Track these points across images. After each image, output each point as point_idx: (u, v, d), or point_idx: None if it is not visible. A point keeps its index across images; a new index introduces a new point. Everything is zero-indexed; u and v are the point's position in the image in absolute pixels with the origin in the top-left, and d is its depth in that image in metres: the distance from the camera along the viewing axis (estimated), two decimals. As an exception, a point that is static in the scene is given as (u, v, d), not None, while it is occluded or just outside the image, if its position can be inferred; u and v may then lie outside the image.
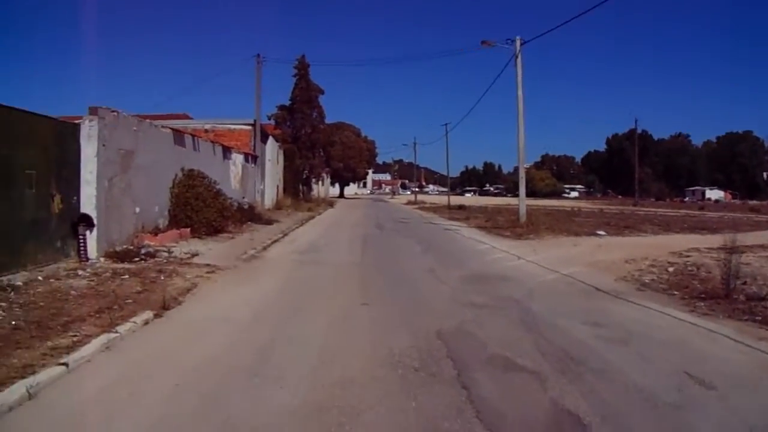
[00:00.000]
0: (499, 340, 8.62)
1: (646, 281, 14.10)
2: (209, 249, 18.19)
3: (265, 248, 20.13)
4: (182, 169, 21.93)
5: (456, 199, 76.55)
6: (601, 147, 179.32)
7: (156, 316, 9.64)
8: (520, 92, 31.14)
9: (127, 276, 12.78)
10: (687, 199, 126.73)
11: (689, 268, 15.68)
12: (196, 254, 16.61)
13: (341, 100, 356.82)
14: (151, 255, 15.65)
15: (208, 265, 15.03)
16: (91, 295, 10.79)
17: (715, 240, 20.12)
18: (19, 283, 11.30)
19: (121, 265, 14.14)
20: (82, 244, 14.58)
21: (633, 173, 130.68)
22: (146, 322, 9.22)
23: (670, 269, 15.61)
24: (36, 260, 13.15)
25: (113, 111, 16.15)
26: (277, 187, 50.74)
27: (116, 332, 8.33)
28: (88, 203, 15.02)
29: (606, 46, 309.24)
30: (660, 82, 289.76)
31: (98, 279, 12.36)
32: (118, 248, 15.77)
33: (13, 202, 12.56)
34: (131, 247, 16.20)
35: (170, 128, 21.53)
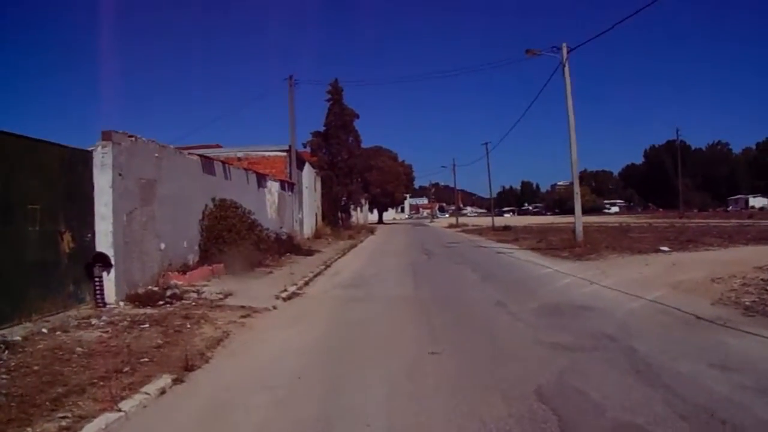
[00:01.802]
0: (619, 400, 6.58)
1: (748, 304, 12.12)
2: (244, 287, 16.19)
3: (306, 283, 18.15)
4: (213, 200, 20.08)
5: (498, 220, 74.21)
6: (638, 160, 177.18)
7: (176, 381, 7.62)
8: (569, 102, 29.10)
9: (147, 324, 10.84)
10: (730, 208, 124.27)
11: (791, 285, 13.62)
12: (230, 294, 14.62)
13: (376, 124, 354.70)
14: (178, 297, 13.73)
15: (242, 307, 13.06)
16: (101, 352, 8.84)
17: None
18: (18, 338, 9.49)
19: (142, 311, 12.22)
20: (98, 288, 12.70)
21: (672, 185, 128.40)
22: (162, 392, 7.21)
23: (771, 288, 13.52)
24: (42, 309, 11.26)
25: (130, 136, 14.35)
26: (316, 215, 49.01)
27: (120, 410, 6.33)
28: (104, 241, 13.16)
29: (637, 58, 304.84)
30: (695, 91, 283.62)
31: (113, 330, 10.42)
32: (140, 290, 13.91)
33: (11, 243, 10.71)
34: (156, 289, 14.34)
35: (198, 155, 19.71)
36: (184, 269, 16.70)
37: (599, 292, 15.17)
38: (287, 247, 27.85)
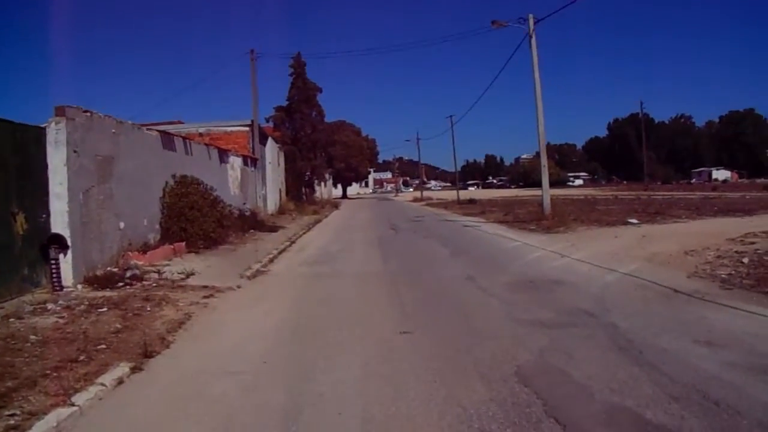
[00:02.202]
0: (605, 381, 6.33)
1: (725, 276, 12.06)
2: (207, 266, 15.75)
3: (271, 260, 17.74)
4: (173, 176, 19.47)
5: (463, 194, 74.03)
6: (602, 133, 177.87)
7: (134, 370, 7.21)
8: (536, 74, 28.76)
9: (105, 308, 10.36)
10: (694, 180, 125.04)
11: (766, 258, 13.54)
12: (192, 273, 14.15)
13: (339, 97, 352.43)
14: (138, 278, 13.25)
15: (205, 287, 12.63)
16: (56, 340, 8.38)
17: (762, 222, 18.94)
18: (-34, 328, 8.97)
19: (101, 294, 11.75)
20: (54, 271, 12.17)
21: (636, 158, 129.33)
22: (119, 382, 6.80)
23: (744, 260, 13.44)
24: (-6, 294, 10.76)
25: (85, 111, 13.76)
26: (280, 190, 48.37)
27: (74, 405, 5.92)
28: (59, 221, 12.62)
29: (600, 31, 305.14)
30: (658, 64, 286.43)
31: (69, 315, 9.94)
32: (99, 272, 13.39)
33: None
34: (115, 270, 13.82)
35: (158, 130, 19.08)
36: (145, 249, 16.15)
37: (571, 265, 14.95)
38: (251, 223, 27.33)
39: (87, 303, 10.77)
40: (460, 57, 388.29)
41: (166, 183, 18.98)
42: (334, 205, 66.56)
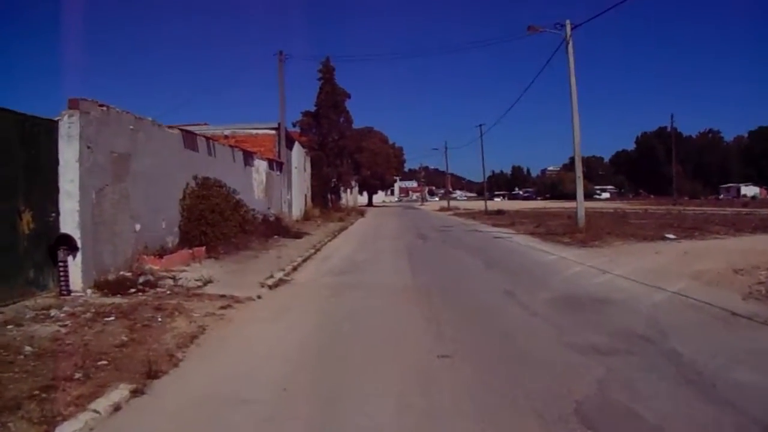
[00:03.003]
0: (682, 424, 5.41)
1: None
2: (227, 273, 14.82)
3: (295, 268, 16.78)
4: (195, 177, 18.63)
5: (489, 204, 72.84)
6: (629, 146, 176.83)
7: (135, 393, 6.25)
8: (573, 81, 27.75)
9: (113, 317, 9.44)
10: (722, 196, 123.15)
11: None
12: (210, 281, 13.20)
13: (367, 104, 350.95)
14: (152, 284, 12.35)
15: (222, 296, 11.68)
16: (53, 352, 7.47)
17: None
18: (-40, 335, 8.11)
19: (110, 300, 10.84)
20: (62, 274, 11.30)
21: (663, 173, 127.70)
22: (116, 408, 5.85)
23: (805, 281, 12.33)
24: (-4, 298, 9.90)
25: (101, 105, 12.91)
26: (305, 196, 47.58)
27: (58, 438, 4.98)
28: (69, 221, 11.74)
29: (628, 44, 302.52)
30: (687, 79, 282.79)
31: (73, 323, 9.04)
32: (111, 276, 12.50)
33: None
34: (128, 274, 12.94)
35: (179, 128, 18.22)
36: (162, 253, 15.26)
37: (614, 282, 13.94)
38: (275, 229, 26.45)
39: (94, 310, 9.86)
40: (489, 65, 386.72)
41: (187, 184, 18.12)
42: (360, 212, 65.60)
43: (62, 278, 11.28)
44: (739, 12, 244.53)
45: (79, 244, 11.68)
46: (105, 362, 7.15)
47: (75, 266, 11.63)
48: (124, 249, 13.77)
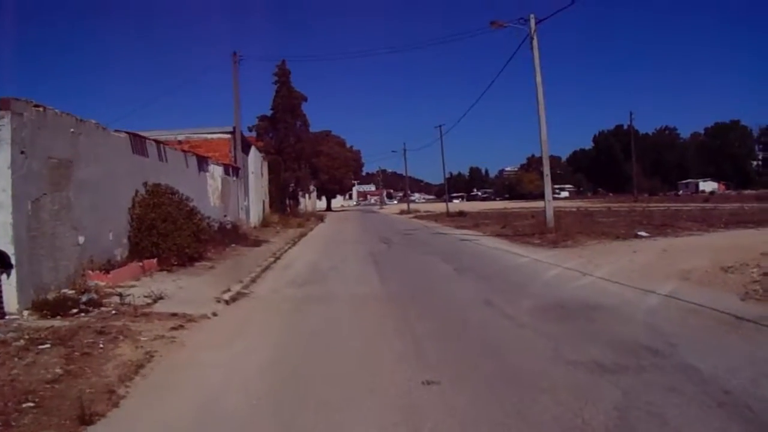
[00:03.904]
0: None
1: None
2: (180, 287, 13.63)
3: (253, 280, 15.65)
4: (145, 184, 17.38)
5: (450, 206, 72.09)
6: (586, 145, 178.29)
7: (61, 448, 5.16)
8: (538, 77, 27.14)
9: (48, 344, 8.25)
10: (681, 192, 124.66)
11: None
12: (161, 297, 11.99)
13: (324, 108, 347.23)
14: (96, 303, 11.15)
15: (174, 315, 10.53)
16: (-33, 393, 6.32)
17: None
18: None
19: (49, 323, 9.63)
20: (-7, 295, 10.11)
21: (621, 170, 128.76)
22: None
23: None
24: None
25: (36, 106, 11.70)
26: (263, 202, 46.30)
27: None
28: (1, 235, 10.51)
29: (584, 43, 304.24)
30: (643, 77, 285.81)
31: (1, 353, 7.85)
32: (51, 295, 11.28)
33: None
34: (71, 292, 11.72)
35: (127, 132, 16.97)
36: (109, 267, 14.06)
37: (599, 285, 13.21)
38: (232, 237, 25.29)
39: (27, 337, 8.66)
40: (447, 65, 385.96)
41: (137, 192, 16.88)
42: (319, 217, 64.43)
43: (-7, 300, 10.09)
44: (696, 8, 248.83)
45: (13, 261, 10.46)
46: (32, 404, 6.05)
47: (9, 286, 10.41)
48: (66, 264, 12.53)
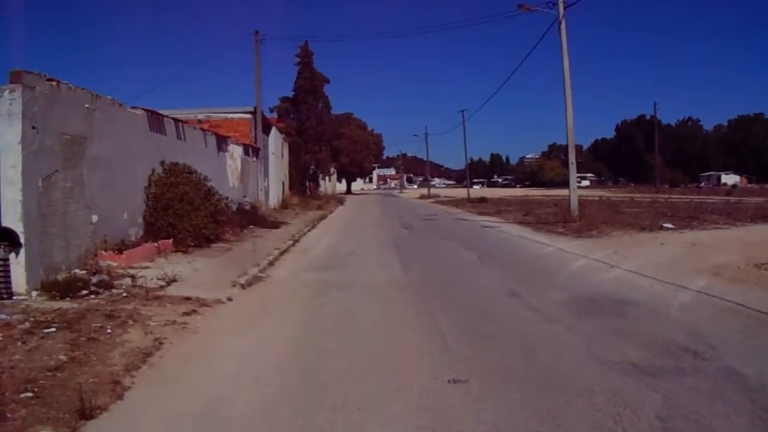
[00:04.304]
0: None
1: None
2: (195, 269, 13.21)
3: (271, 263, 15.20)
4: (162, 163, 16.97)
5: (471, 192, 71.39)
6: (608, 135, 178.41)
7: (57, 445, 4.74)
8: (566, 63, 26.33)
9: (54, 328, 7.86)
10: (702, 184, 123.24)
11: None
12: (174, 279, 11.56)
13: (346, 90, 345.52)
14: (107, 284, 10.75)
15: (188, 298, 10.11)
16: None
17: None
18: None
19: (57, 305, 9.24)
20: (1, 274, 9.72)
21: (642, 161, 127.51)
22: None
23: None
24: None
25: (50, 80, 11.28)
26: (283, 183, 45.88)
27: None
28: (11, 212, 10.14)
29: (608, 33, 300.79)
30: (666, 67, 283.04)
31: (4, 337, 7.47)
32: (62, 276, 10.90)
33: None
34: (82, 273, 11.35)
35: (144, 109, 16.54)
36: (122, 247, 13.66)
37: (628, 279, 12.62)
38: (250, 218, 24.87)
39: (33, 319, 8.28)
40: (470, 50, 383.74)
41: (153, 171, 16.48)
42: (339, 200, 63.89)
43: (2, 279, 9.70)
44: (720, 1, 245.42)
45: (22, 240, 10.08)
46: (30, 394, 5.63)
47: (18, 265, 10.05)
48: (78, 244, 12.16)
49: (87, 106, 12.77)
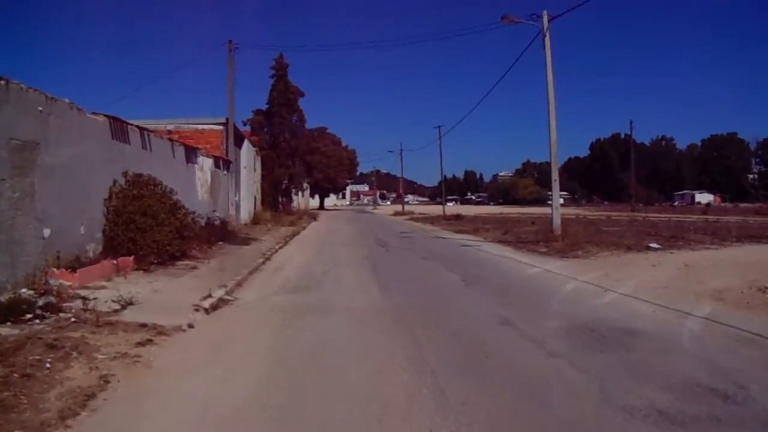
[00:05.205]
0: None
1: None
2: (155, 290, 12.04)
3: (239, 284, 14.08)
4: (125, 174, 15.82)
5: (444, 209, 70.68)
6: (581, 153, 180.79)
7: None
8: (550, 77, 25.74)
9: (-16, 361, 6.75)
10: (677, 203, 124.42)
11: None
12: (131, 302, 10.36)
13: (320, 104, 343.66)
14: (55, 308, 9.57)
15: (143, 325, 8.97)
16: None
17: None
18: None
19: (-6, 332, 8.11)
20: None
21: (616, 179, 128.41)
22: None
23: None
24: None
25: (-4, 79, 10.21)
26: (255, 198, 44.72)
27: None
28: (-53, 225, 9.02)
29: (582, 51, 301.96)
30: (641, 86, 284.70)
31: None
32: (5, 296, 9.73)
33: None
34: (30, 293, 10.17)
35: (106, 115, 15.40)
36: (78, 264, 12.51)
37: (625, 304, 11.83)
38: (220, 234, 23.75)
39: (-40, 351, 7.16)
40: (446, 65, 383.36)
41: (115, 182, 15.31)
42: (312, 216, 62.73)
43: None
44: (695, 19, 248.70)
45: (-42, 256, 8.96)
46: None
47: (-47, 284, 8.91)
48: (26, 260, 10.99)
49: (41, 109, 11.68)
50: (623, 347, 8.35)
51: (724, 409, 5.83)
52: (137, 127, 17.71)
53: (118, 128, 15.89)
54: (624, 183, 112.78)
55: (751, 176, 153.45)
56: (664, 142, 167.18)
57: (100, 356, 7.33)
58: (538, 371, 7.21)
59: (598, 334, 9.06)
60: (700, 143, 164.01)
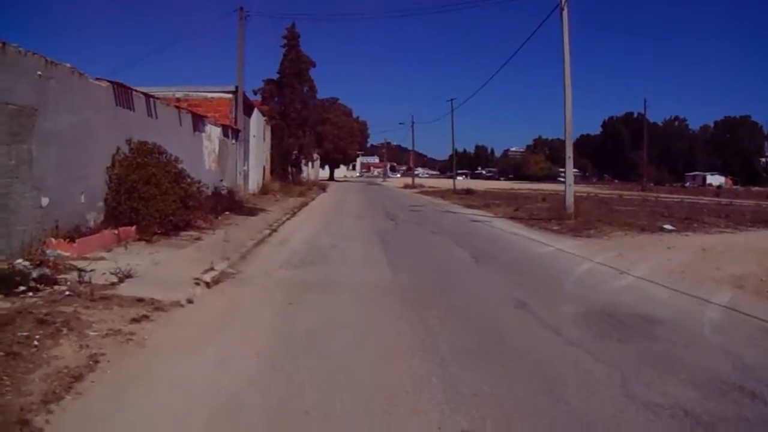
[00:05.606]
0: None
1: None
2: (155, 263, 11.65)
3: (243, 256, 13.73)
4: (129, 142, 15.44)
5: (455, 183, 70.15)
6: (593, 131, 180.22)
7: None
8: (566, 51, 25.20)
9: (-31, 336, 6.39)
10: (688, 184, 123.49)
11: None
12: (129, 275, 9.96)
13: (332, 74, 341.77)
14: (50, 280, 9.19)
15: (140, 300, 8.59)
16: None
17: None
18: None
19: (-15, 304, 7.76)
20: None
21: (627, 158, 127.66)
22: None
23: None
24: None
25: (-8, 40, 9.79)
26: (264, 168, 44.36)
27: None
28: (-62, 193, 8.65)
29: (597, 28, 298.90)
30: (655, 66, 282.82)
31: None
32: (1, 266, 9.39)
33: None
34: (25, 264, 9.80)
35: (110, 81, 14.97)
36: (77, 234, 12.15)
37: (643, 288, 11.35)
38: (227, 204, 23.40)
39: (-54, 325, 6.80)
40: (460, 37, 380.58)
41: (118, 149, 14.93)
42: (322, 187, 62.42)
43: None
44: (713, 3, 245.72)
45: (-50, 224, 8.60)
46: None
47: (-56, 254, 8.56)
48: (22, 230, 10.63)
49: (40, 73, 11.26)
50: (643, 336, 7.93)
51: (752, 409, 5.43)
52: (143, 93, 17.27)
53: (122, 94, 15.46)
54: (635, 162, 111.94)
55: (763, 160, 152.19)
56: (677, 123, 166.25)
57: (91, 333, 6.95)
58: (555, 361, 6.79)
59: (616, 321, 8.63)
60: (713, 125, 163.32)
